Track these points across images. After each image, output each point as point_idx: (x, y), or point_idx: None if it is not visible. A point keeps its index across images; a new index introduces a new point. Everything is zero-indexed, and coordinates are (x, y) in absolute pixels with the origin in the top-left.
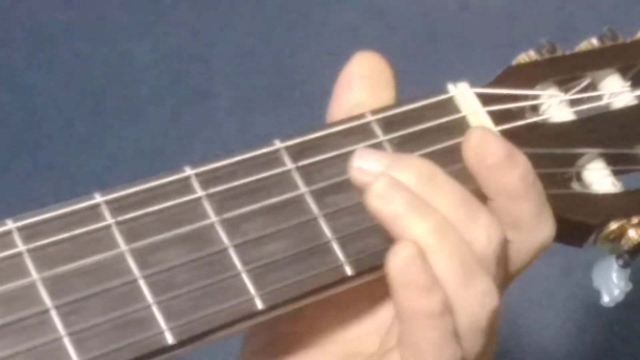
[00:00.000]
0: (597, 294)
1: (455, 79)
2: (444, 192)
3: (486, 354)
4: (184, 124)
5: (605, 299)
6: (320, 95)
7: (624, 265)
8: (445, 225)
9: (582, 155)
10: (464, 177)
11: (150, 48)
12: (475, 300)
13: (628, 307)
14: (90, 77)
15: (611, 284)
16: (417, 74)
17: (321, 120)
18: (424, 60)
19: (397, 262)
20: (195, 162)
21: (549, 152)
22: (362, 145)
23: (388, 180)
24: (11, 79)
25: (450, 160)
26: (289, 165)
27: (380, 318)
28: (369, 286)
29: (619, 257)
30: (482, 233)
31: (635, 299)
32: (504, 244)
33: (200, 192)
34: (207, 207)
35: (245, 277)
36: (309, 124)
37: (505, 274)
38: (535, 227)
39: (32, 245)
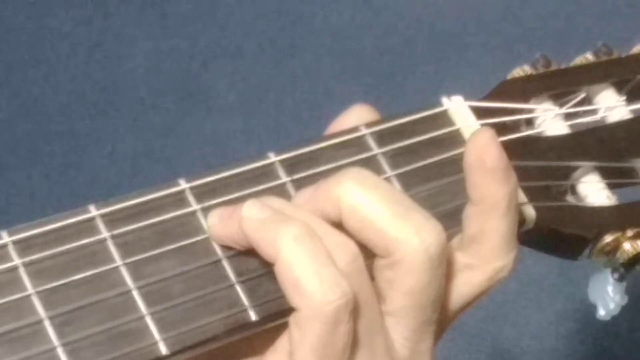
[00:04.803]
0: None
1: (454, 79)
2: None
3: None
4: (184, 124)
5: (601, 313)
6: (320, 95)
7: (620, 279)
8: None
9: (577, 168)
10: (456, 190)
11: (150, 48)
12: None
13: (627, 308)
14: (90, 77)
15: (607, 298)
16: (416, 74)
17: (320, 120)
18: (424, 60)
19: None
20: (189, 175)
21: (544, 165)
22: (356, 158)
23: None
24: (10, 80)
25: (444, 173)
26: (284, 178)
27: None
28: None
29: (614, 270)
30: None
31: (634, 299)
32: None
33: (194, 205)
34: (202, 219)
35: (239, 289)
36: (307, 125)
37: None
38: (497, 250)
39: (27, 259)
